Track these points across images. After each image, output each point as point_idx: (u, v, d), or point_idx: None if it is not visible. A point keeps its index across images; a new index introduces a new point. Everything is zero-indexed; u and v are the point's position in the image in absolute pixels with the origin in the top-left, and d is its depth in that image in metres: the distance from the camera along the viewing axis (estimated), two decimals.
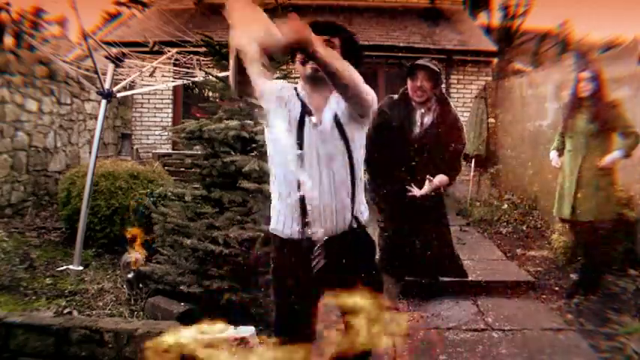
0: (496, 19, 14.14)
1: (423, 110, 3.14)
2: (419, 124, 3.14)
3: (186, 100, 8.83)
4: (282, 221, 1.85)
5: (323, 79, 1.69)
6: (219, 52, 3.38)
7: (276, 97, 1.81)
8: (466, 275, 3.64)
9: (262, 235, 3.01)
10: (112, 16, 14.88)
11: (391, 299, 3.31)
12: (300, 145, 1.77)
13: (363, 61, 1.90)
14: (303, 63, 1.79)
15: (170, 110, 8.68)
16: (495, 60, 8.88)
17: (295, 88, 1.88)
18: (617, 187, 3.89)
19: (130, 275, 3.44)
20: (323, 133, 1.79)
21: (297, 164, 1.76)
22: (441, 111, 3.16)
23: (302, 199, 1.77)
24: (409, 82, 3.07)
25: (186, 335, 0.94)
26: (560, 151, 4.01)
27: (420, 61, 3.08)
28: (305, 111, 1.80)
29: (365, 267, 1.92)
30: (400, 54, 8.38)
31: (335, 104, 1.84)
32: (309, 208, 1.77)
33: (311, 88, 1.84)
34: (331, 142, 1.79)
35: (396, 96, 3.21)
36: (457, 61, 8.39)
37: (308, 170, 1.76)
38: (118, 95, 3.64)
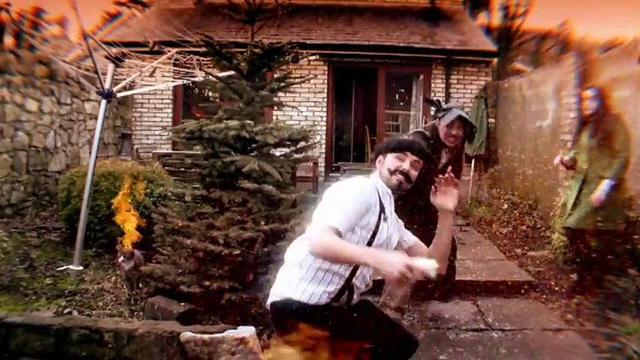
0: (496, 19, 14.16)
1: (447, 149, 3.40)
2: (443, 160, 3.40)
3: (186, 100, 8.84)
4: (309, 293, 1.89)
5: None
6: (219, 52, 3.38)
7: (369, 211, 1.92)
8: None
9: (262, 235, 3.01)
10: (112, 16, 14.90)
11: (400, 301, 3.28)
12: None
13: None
14: (392, 174, 2.03)
15: (170, 110, 8.68)
16: (495, 60, 8.88)
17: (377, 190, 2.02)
18: (624, 195, 3.89)
19: (121, 259, 3.43)
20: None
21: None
22: (458, 150, 3.46)
23: (347, 285, 1.93)
24: (445, 128, 3.27)
25: None
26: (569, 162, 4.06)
27: (461, 113, 3.28)
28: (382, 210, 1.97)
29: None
30: (400, 54, 8.39)
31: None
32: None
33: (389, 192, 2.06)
34: None
35: (427, 132, 3.40)
36: (457, 61, 8.39)
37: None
38: (118, 95, 3.63)
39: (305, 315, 1.83)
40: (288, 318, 1.84)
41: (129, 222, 3.53)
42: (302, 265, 1.90)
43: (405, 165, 2.02)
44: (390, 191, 2.05)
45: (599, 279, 3.86)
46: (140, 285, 3.44)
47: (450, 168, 3.20)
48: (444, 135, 3.31)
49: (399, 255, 1.63)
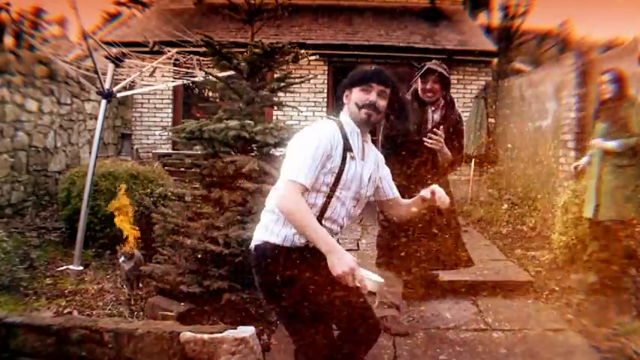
0: (496, 19, 14.16)
1: (433, 108, 3.37)
2: (430, 119, 3.36)
3: (186, 100, 8.84)
4: (283, 236, 1.92)
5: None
6: (219, 52, 3.38)
7: (332, 152, 1.92)
8: (472, 263, 3.58)
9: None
10: (112, 16, 14.90)
11: (394, 297, 3.36)
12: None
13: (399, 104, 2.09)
14: (359, 108, 1.99)
15: (170, 110, 8.68)
16: (495, 60, 8.88)
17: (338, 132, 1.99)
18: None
19: (122, 259, 3.41)
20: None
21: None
22: (448, 111, 3.39)
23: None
24: (420, 84, 3.31)
25: None
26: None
27: (431, 65, 3.26)
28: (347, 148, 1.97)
29: None
30: (400, 54, 8.38)
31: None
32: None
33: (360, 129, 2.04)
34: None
35: (407, 95, 3.31)
36: (457, 61, 8.39)
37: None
38: (118, 95, 3.63)
39: (281, 256, 1.91)
40: (266, 259, 1.94)
41: (126, 223, 3.53)
42: (274, 210, 1.94)
43: (372, 97, 1.98)
44: (358, 130, 2.02)
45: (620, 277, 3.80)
46: (140, 285, 3.44)
47: (441, 127, 3.21)
48: (421, 92, 3.31)
49: (350, 259, 1.70)
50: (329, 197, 1.92)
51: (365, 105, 1.98)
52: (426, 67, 3.28)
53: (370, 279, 1.73)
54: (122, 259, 3.39)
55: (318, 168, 1.85)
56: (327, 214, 1.94)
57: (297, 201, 1.78)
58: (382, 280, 1.77)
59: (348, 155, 1.94)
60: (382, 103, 2.00)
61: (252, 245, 2.01)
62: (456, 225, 3.58)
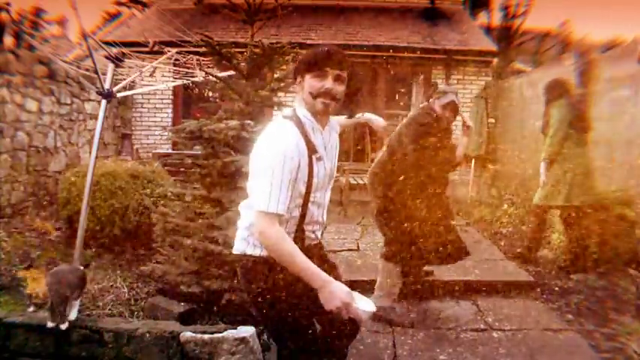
0: (496, 19, 14.15)
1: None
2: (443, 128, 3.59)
3: (186, 100, 8.84)
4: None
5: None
6: (219, 52, 3.38)
7: (300, 164, 1.78)
8: (468, 253, 3.73)
9: None
10: (112, 16, 14.90)
11: (391, 292, 3.48)
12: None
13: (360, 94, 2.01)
14: (314, 97, 1.80)
15: (170, 110, 8.68)
16: (495, 60, 8.88)
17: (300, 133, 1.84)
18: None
19: (32, 309, 2.85)
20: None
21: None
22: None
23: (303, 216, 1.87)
24: (440, 109, 3.50)
25: None
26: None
27: (454, 99, 3.49)
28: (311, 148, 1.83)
29: None
30: (400, 54, 8.38)
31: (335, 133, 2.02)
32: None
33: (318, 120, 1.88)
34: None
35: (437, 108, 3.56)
36: (457, 61, 8.39)
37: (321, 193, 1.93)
38: (118, 95, 3.62)
39: (263, 266, 1.83)
40: (249, 271, 1.87)
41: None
42: (249, 229, 1.86)
43: (328, 84, 1.75)
44: (319, 126, 1.85)
45: None
46: (68, 311, 2.70)
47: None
48: (440, 114, 3.53)
49: (343, 292, 1.63)
50: (304, 205, 1.82)
51: (320, 93, 1.76)
52: (451, 100, 3.49)
53: (364, 310, 1.67)
54: (32, 308, 2.88)
55: (290, 188, 1.72)
56: (307, 220, 1.87)
57: (278, 236, 1.68)
58: (375, 309, 1.72)
59: (314, 158, 1.79)
60: (340, 89, 1.79)
61: (234, 253, 1.94)
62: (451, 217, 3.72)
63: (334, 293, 1.62)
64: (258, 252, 1.85)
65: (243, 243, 1.89)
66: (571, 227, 4.33)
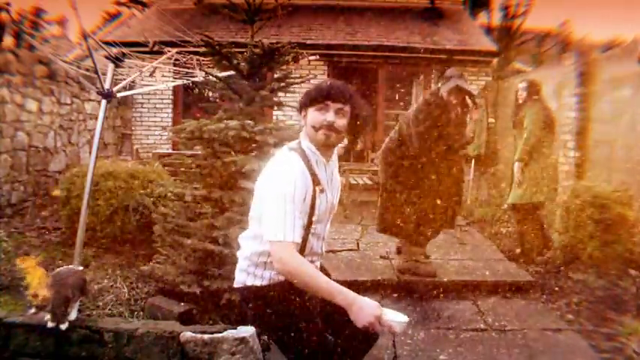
0: (496, 19, 14.14)
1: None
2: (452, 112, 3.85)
3: (186, 100, 8.84)
4: (266, 277, 1.90)
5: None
6: (219, 52, 3.38)
7: (306, 195, 1.83)
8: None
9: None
10: (112, 16, 14.89)
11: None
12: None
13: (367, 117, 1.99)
14: (316, 130, 1.85)
15: (170, 110, 8.68)
16: (495, 60, 8.88)
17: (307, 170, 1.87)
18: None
19: (32, 311, 2.69)
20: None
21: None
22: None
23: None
24: (446, 94, 3.74)
25: None
26: None
27: (461, 84, 3.73)
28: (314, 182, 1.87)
29: None
30: (400, 54, 8.38)
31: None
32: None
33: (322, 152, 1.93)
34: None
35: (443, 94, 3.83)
36: (457, 61, 8.39)
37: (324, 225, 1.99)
38: (118, 95, 3.62)
39: (268, 295, 1.87)
40: (254, 302, 1.90)
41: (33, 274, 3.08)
42: (251, 258, 1.91)
43: (329, 117, 1.81)
44: (322, 159, 1.90)
45: None
46: (68, 314, 2.68)
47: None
48: (446, 99, 3.78)
49: (373, 305, 1.61)
50: (305, 236, 1.83)
51: (322, 126, 1.82)
52: (457, 85, 3.73)
53: (396, 320, 1.63)
54: (32, 311, 2.72)
55: (301, 217, 1.77)
56: (306, 251, 1.88)
57: (298, 262, 1.70)
58: (408, 319, 1.68)
59: (317, 190, 1.84)
60: (341, 122, 1.84)
61: (236, 287, 1.97)
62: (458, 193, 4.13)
63: (364, 309, 1.60)
64: (259, 282, 1.88)
65: (243, 274, 1.92)
66: (533, 220, 4.64)
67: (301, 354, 1.87)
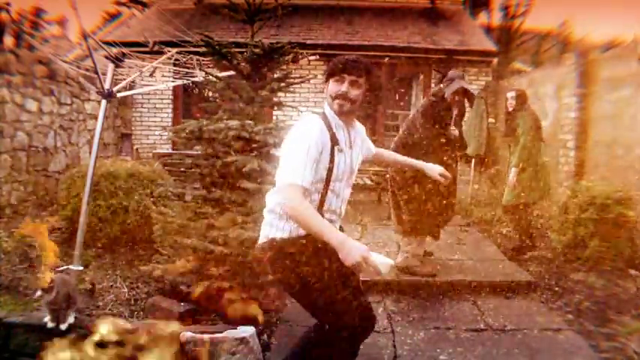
0: (496, 19, 14.13)
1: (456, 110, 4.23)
2: (454, 115, 4.18)
3: (186, 100, 8.84)
4: (287, 229, 2.06)
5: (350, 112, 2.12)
6: (219, 52, 3.38)
7: (323, 151, 2.02)
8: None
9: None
10: (112, 16, 14.88)
11: (416, 253, 4.12)
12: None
13: (381, 89, 2.26)
14: (333, 99, 2.08)
15: (170, 110, 8.68)
16: (495, 60, 8.88)
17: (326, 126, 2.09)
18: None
19: (38, 294, 2.66)
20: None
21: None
22: (461, 107, 4.30)
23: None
24: (450, 95, 3.98)
25: None
26: None
27: (465, 85, 3.99)
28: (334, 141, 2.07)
29: None
30: (400, 54, 8.38)
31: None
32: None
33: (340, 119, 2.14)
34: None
35: (444, 94, 4.06)
36: (457, 61, 8.39)
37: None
38: (118, 95, 3.62)
39: (289, 248, 2.03)
40: (276, 254, 2.06)
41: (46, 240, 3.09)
42: (275, 210, 2.08)
43: (344, 87, 2.04)
44: (342, 123, 2.11)
45: None
46: (68, 316, 2.75)
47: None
48: (451, 101, 4.03)
49: (360, 246, 1.75)
50: (324, 191, 2.03)
51: (338, 96, 2.05)
52: (462, 87, 3.98)
53: (383, 263, 1.79)
54: (38, 293, 2.68)
55: (313, 167, 1.93)
56: (325, 207, 2.06)
57: (300, 203, 1.84)
58: (393, 262, 1.87)
59: (336, 149, 2.04)
60: (355, 93, 2.05)
61: (260, 243, 2.13)
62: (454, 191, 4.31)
63: (352, 250, 1.73)
64: (279, 235, 2.05)
65: (267, 228, 2.10)
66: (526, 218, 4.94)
67: (317, 307, 2.05)
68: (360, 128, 2.31)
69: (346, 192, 2.18)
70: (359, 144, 2.24)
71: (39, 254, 3.02)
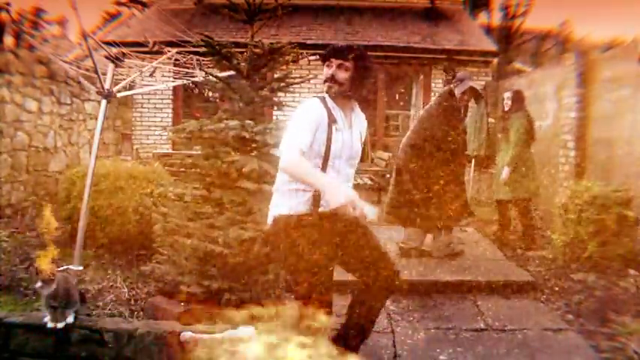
0: (496, 19, 14.15)
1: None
2: (462, 111, 4.51)
3: (186, 100, 8.84)
4: (291, 206, 2.21)
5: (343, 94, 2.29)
6: (219, 52, 3.37)
7: (320, 124, 2.21)
8: (472, 214, 4.75)
9: (262, 235, 3.01)
10: (112, 16, 14.90)
11: (418, 237, 4.48)
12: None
13: (373, 73, 2.40)
14: (324, 82, 2.27)
15: (170, 110, 8.68)
16: (495, 60, 8.88)
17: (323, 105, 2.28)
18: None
19: (38, 285, 2.53)
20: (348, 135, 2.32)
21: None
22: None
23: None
24: (459, 94, 4.33)
25: None
26: None
27: (472, 84, 4.34)
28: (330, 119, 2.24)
29: None
30: (400, 54, 8.38)
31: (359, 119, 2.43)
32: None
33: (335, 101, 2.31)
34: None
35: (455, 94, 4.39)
36: (457, 61, 8.39)
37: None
38: (118, 95, 3.62)
39: (291, 222, 2.18)
40: (279, 228, 2.22)
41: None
42: (278, 188, 2.28)
43: (331, 70, 2.23)
44: (338, 105, 2.27)
45: None
46: (67, 316, 2.67)
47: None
48: (459, 99, 4.36)
49: (348, 190, 1.92)
50: (324, 167, 2.19)
51: (327, 79, 2.25)
52: (471, 86, 4.34)
53: (370, 209, 1.88)
54: (39, 284, 2.53)
55: (310, 134, 2.11)
56: None
57: (295, 157, 2.04)
58: (377, 211, 1.99)
59: (334, 127, 2.20)
60: (342, 75, 2.23)
61: (268, 222, 2.31)
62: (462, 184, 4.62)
63: (339, 192, 1.87)
64: (284, 211, 2.21)
65: (273, 208, 2.28)
66: (525, 214, 5.21)
67: (310, 284, 2.13)
68: (360, 114, 2.43)
69: (348, 171, 2.32)
70: (358, 126, 2.38)
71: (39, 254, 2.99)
